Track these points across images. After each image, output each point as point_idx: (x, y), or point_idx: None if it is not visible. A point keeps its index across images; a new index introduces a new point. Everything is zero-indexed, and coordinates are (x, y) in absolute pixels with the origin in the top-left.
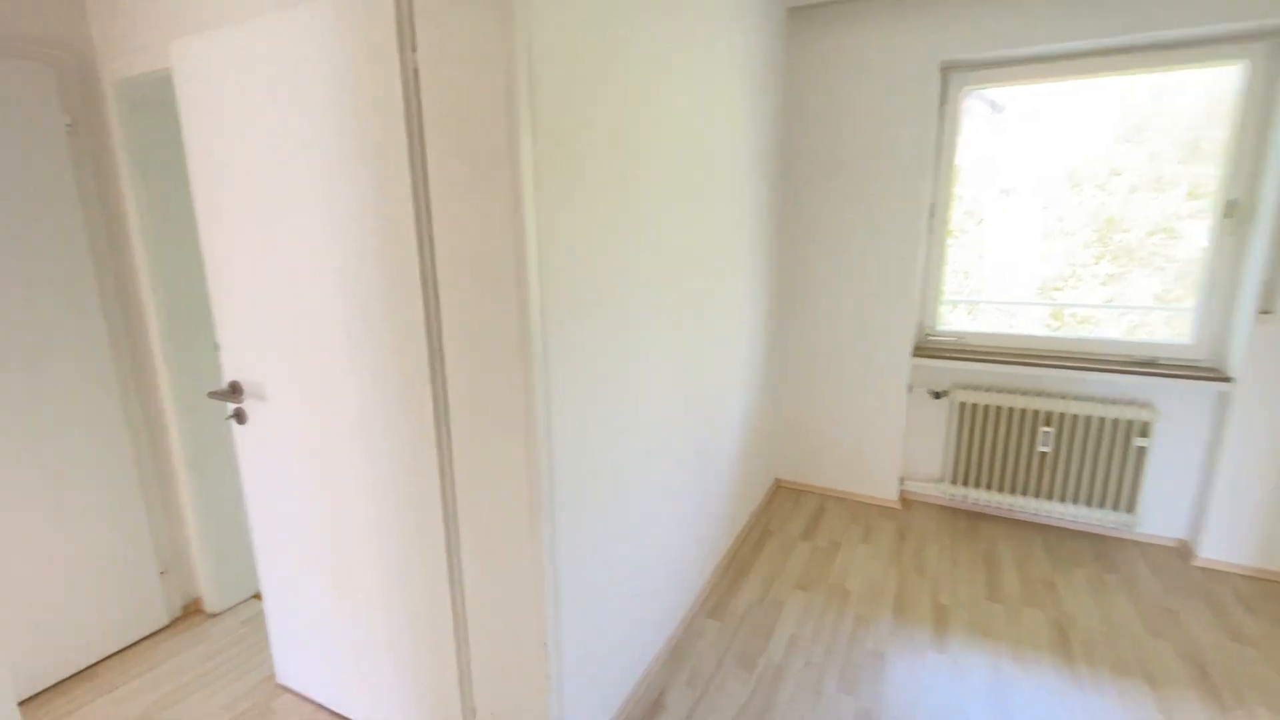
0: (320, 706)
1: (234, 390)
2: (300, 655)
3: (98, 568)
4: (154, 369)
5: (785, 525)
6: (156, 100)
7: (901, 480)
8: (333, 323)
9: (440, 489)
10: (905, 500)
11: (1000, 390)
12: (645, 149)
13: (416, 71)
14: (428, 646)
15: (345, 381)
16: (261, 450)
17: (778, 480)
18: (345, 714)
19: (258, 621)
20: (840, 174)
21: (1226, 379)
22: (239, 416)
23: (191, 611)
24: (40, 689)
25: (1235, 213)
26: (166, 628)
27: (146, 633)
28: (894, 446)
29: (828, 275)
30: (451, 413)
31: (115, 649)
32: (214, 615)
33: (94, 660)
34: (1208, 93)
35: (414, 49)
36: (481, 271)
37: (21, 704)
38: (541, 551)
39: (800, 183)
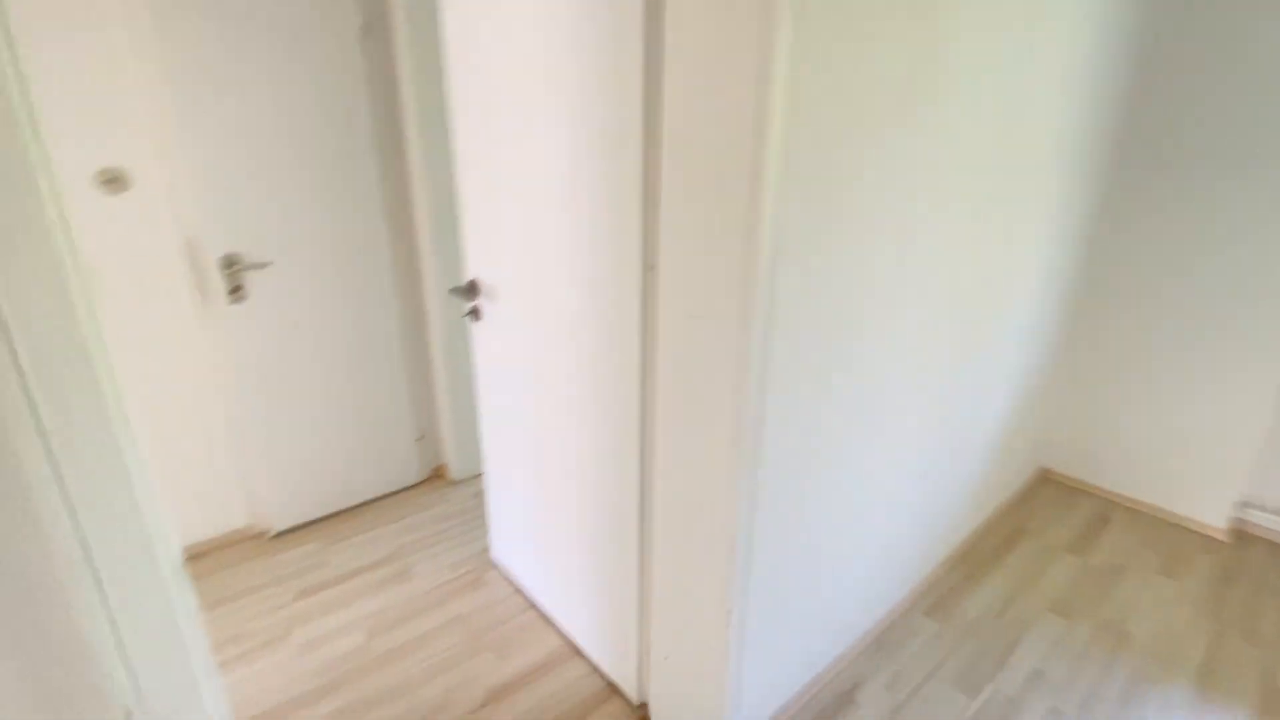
0: (520, 589)
1: (471, 288)
2: (509, 538)
3: (372, 425)
4: (420, 261)
5: (1048, 528)
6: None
7: (1240, 505)
8: (556, 233)
9: (639, 418)
10: (1239, 533)
11: None
12: (943, 85)
13: None
14: (612, 563)
15: (563, 291)
16: (490, 345)
17: (1044, 470)
18: (539, 604)
19: (484, 496)
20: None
21: None
22: (474, 314)
23: (437, 475)
24: (317, 517)
25: None
26: (417, 485)
27: (401, 486)
28: (1237, 455)
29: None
30: (660, 343)
31: (376, 495)
32: (454, 482)
33: (362, 501)
34: None
35: None
36: (708, 197)
37: (300, 528)
38: (736, 505)
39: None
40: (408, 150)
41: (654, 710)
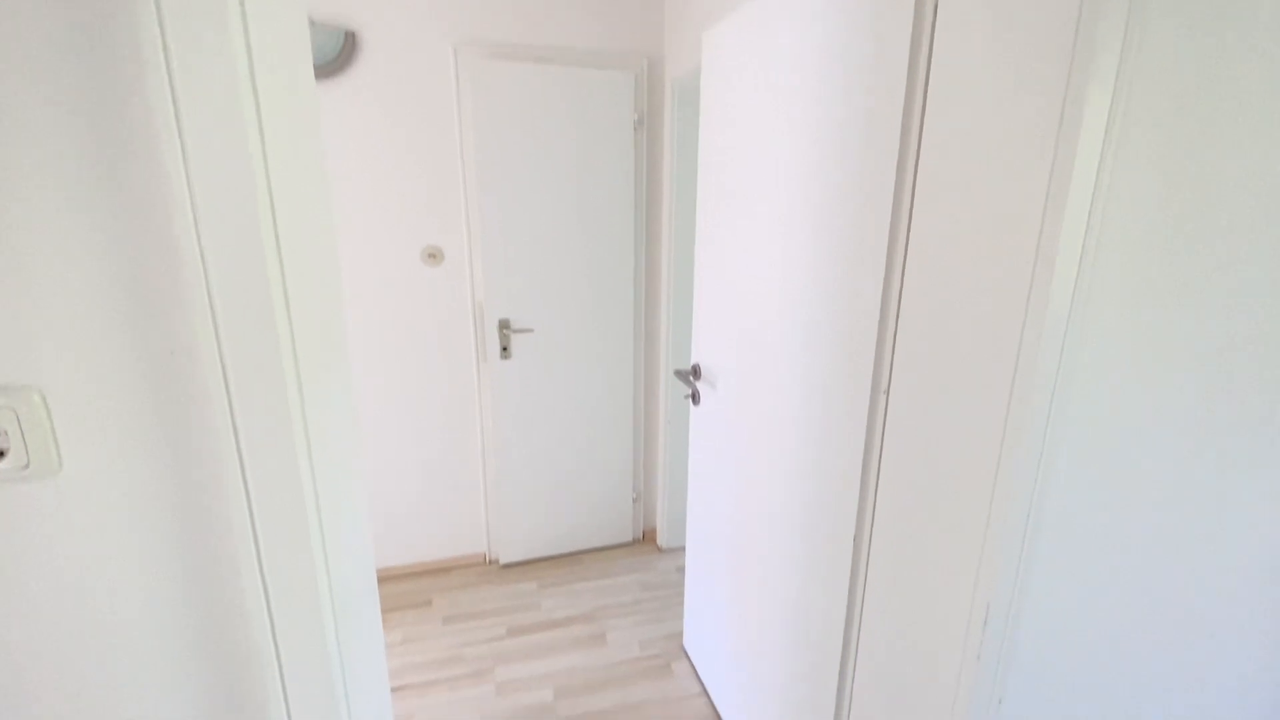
0: (704, 690)
1: (694, 373)
2: (701, 631)
3: (599, 481)
4: (658, 341)
5: None
6: (695, 92)
7: None
8: (781, 332)
9: (851, 555)
10: None
11: None
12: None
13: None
14: (807, 695)
15: (778, 396)
16: (704, 431)
17: None
18: (721, 713)
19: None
20: None
21: None
22: (694, 398)
23: (648, 539)
24: (539, 556)
25: None
26: (628, 544)
27: (615, 543)
28: None
29: None
30: (883, 480)
31: (592, 546)
32: (662, 550)
33: (580, 549)
34: None
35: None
36: (961, 327)
37: (524, 563)
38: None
39: None
40: (662, 238)
41: None
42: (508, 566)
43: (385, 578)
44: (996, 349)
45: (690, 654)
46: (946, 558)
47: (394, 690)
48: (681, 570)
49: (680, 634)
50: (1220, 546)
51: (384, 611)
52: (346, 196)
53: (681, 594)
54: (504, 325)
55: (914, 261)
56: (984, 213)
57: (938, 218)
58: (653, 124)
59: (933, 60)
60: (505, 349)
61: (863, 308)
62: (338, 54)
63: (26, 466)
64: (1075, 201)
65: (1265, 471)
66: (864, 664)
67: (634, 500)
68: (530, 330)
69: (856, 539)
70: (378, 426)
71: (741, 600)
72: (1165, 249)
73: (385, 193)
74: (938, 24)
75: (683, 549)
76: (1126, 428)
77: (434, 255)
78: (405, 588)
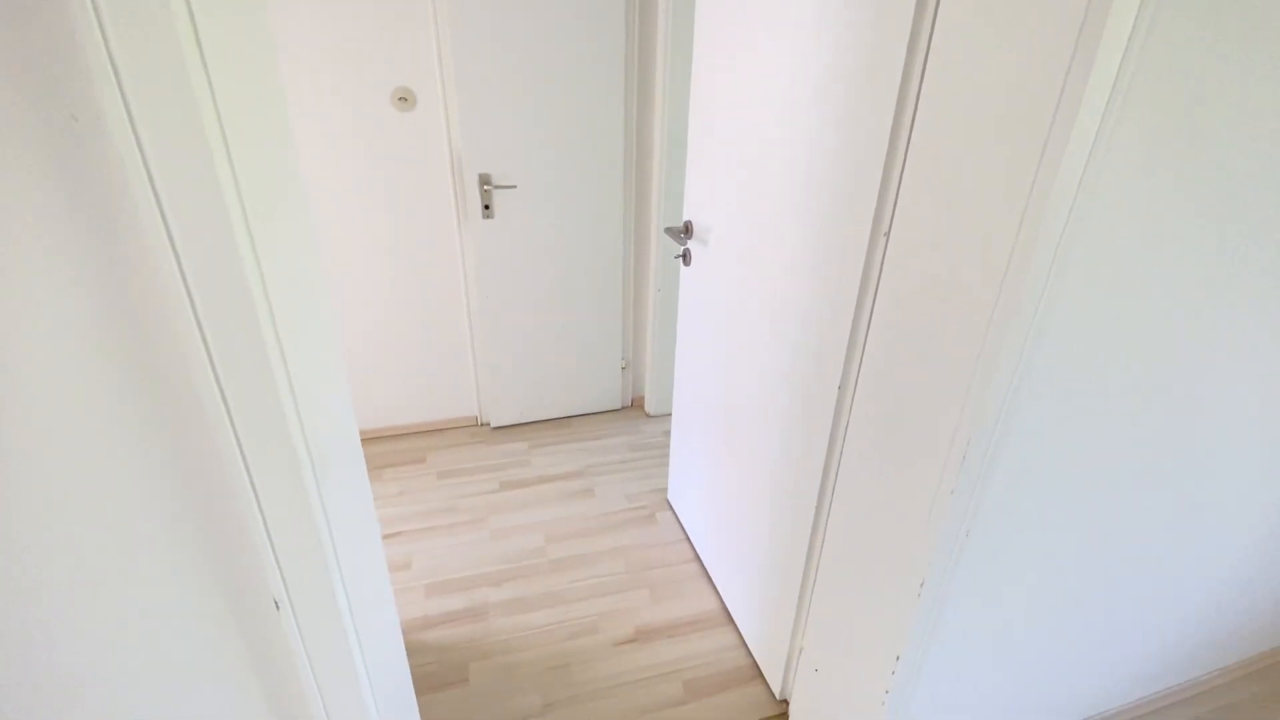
0: (687, 537)
1: (686, 230)
2: (684, 486)
3: (586, 347)
4: (649, 200)
5: None
6: None
7: None
8: (779, 176)
9: (834, 408)
10: None
11: None
12: None
13: None
14: (780, 551)
15: (776, 245)
16: (693, 291)
17: None
18: (703, 558)
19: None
20: None
21: None
22: (685, 257)
23: (636, 405)
24: (529, 420)
25: None
26: (617, 410)
27: (603, 409)
28: None
29: None
30: (875, 325)
31: (581, 412)
32: (650, 416)
33: (568, 414)
34: None
35: None
36: (982, 153)
37: (514, 426)
38: (932, 550)
39: None
40: (654, 91)
41: (794, 716)
42: (499, 429)
43: (378, 437)
44: (1009, 187)
45: (674, 505)
46: (932, 398)
47: (393, 536)
48: (668, 434)
49: (665, 489)
50: (1224, 376)
51: (379, 467)
52: (303, 26)
53: (667, 456)
54: (485, 181)
55: (927, 100)
56: (1009, 58)
57: (954, 58)
58: None
59: None
60: (487, 207)
61: (868, 144)
62: None
63: None
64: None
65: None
66: (839, 507)
67: (623, 368)
68: (513, 187)
69: (842, 387)
70: (360, 288)
71: (726, 451)
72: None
73: (345, 21)
74: None
75: (669, 415)
76: (1139, 267)
77: (405, 99)
78: (399, 446)
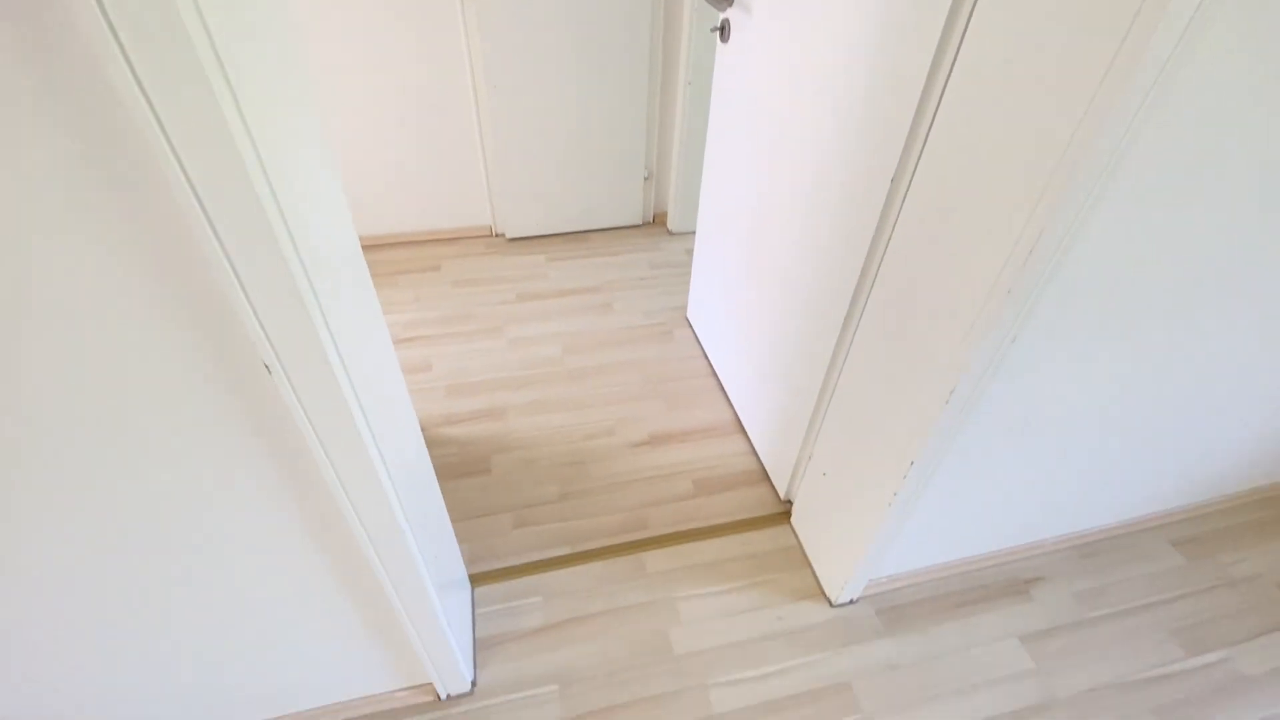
0: (704, 354)
1: None
2: (705, 302)
3: (609, 156)
4: None
5: None
6: None
7: None
8: None
9: (875, 225)
10: None
11: None
12: None
13: None
14: (798, 367)
15: (840, 19)
16: (730, 78)
17: None
18: (718, 373)
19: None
20: None
21: None
22: (723, 31)
23: (658, 222)
24: (547, 232)
25: None
26: (638, 226)
27: (624, 224)
28: None
29: None
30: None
31: (601, 226)
32: (672, 234)
33: (588, 228)
34: None
35: None
36: None
37: (531, 238)
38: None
39: None
40: None
41: (797, 513)
42: (515, 240)
43: (387, 244)
44: None
45: (693, 323)
46: (1006, 186)
47: (408, 340)
48: (690, 253)
49: (684, 307)
50: None
51: (392, 274)
52: None
53: (688, 275)
54: None
55: None
56: None
57: None
58: None
59: None
60: None
61: None
62: None
63: None
64: None
65: None
66: (871, 315)
67: (645, 179)
68: None
69: (896, 179)
70: (353, 75)
71: (751, 266)
72: None
73: None
74: None
75: (692, 234)
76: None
77: None
78: (411, 253)
